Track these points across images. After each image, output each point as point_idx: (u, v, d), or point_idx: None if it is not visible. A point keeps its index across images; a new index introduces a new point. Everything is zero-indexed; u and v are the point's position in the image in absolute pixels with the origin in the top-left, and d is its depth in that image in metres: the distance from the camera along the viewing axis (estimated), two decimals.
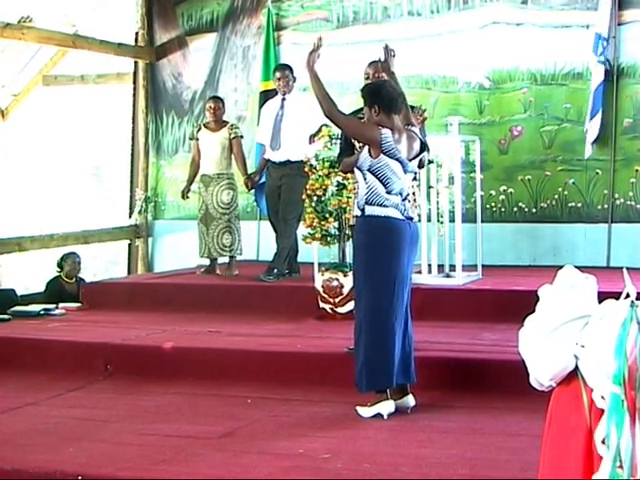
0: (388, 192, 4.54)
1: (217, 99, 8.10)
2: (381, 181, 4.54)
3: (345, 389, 4.78)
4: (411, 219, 4.68)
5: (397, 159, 4.54)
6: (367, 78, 5.27)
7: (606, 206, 7.87)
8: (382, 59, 4.94)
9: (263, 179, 7.85)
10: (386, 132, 4.52)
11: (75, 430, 4.52)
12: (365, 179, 4.58)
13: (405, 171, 4.59)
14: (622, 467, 2.32)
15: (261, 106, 8.41)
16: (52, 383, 5.56)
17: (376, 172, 4.54)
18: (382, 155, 4.52)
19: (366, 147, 4.61)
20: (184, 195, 8.03)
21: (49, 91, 10.79)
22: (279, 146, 7.48)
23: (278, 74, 7.52)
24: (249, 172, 7.85)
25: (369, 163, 4.56)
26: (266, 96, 8.40)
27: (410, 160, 4.61)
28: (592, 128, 7.67)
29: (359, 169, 4.62)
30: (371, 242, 4.58)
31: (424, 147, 4.72)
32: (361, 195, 4.61)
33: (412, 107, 4.91)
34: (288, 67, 7.54)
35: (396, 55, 4.95)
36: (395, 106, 4.59)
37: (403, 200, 4.61)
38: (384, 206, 4.55)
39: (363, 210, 4.60)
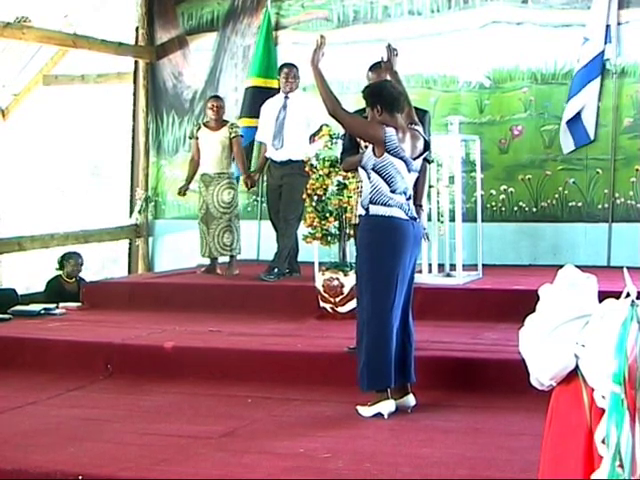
0: (392, 191, 4.54)
1: (218, 98, 8.10)
2: (385, 180, 4.53)
3: (346, 389, 4.78)
4: (415, 219, 4.67)
5: (401, 158, 4.53)
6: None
7: (606, 205, 7.87)
8: (385, 58, 4.94)
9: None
10: (390, 131, 4.52)
11: (76, 430, 4.52)
12: (369, 178, 4.58)
13: (409, 170, 4.58)
14: (622, 466, 2.32)
15: (244, 101, 8.53)
16: (52, 383, 5.56)
17: (380, 171, 4.54)
18: (386, 154, 4.51)
19: (370, 146, 4.61)
20: (181, 192, 8.02)
21: (49, 91, 10.78)
22: (282, 145, 7.48)
23: (286, 73, 7.51)
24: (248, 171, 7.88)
25: (373, 162, 4.55)
26: (253, 93, 8.46)
27: (414, 159, 4.61)
28: (567, 110, 7.67)
29: (363, 168, 4.62)
30: (374, 241, 4.58)
31: (428, 146, 4.72)
32: (365, 194, 4.61)
33: (416, 108, 4.89)
34: (295, 66, 7.54)
35: (399, 54, 4.95)
36: (397, 105, 4.59)
37: (407, 199, 4.61)
38: (388, 205, 4.54)
39: (367, 209, 4.59)
